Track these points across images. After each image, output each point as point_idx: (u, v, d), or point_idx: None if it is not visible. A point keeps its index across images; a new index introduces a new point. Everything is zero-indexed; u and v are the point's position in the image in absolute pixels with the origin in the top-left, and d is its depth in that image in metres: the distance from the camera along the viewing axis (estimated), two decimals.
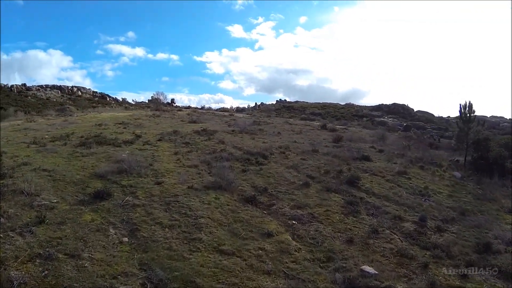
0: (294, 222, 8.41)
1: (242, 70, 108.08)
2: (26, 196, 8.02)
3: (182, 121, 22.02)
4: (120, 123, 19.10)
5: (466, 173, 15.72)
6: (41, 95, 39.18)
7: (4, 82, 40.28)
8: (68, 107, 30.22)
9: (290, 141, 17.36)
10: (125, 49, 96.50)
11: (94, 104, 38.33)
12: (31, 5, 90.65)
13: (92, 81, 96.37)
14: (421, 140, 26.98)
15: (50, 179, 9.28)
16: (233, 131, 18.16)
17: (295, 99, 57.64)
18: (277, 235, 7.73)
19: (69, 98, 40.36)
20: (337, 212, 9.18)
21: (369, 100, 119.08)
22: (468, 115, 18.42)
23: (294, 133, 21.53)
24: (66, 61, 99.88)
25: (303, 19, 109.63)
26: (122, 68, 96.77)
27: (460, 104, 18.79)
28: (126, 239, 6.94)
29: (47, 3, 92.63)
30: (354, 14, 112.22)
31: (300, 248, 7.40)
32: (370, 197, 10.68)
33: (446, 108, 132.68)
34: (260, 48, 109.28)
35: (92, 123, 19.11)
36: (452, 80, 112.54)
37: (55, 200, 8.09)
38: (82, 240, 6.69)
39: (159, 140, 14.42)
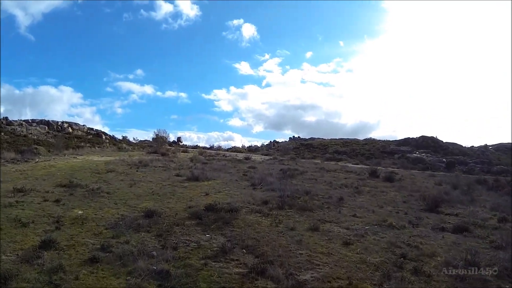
0: None
1: (250, 107, 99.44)
2: None
3: (177, 175, 12.75)
4: (64, 186, 9.82)
5: None
6: (22, 131, 30.41)
7: (15, 117, 33.08)
8: (36, 148, 21.13)
9: (385, 227, 7.94)
10: (134, 87, 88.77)
11: (82, 144, 29.49)
12: (42, 41, 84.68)
13: (101, 118, 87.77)
14: None
15: None
16: (265, 203, 8.74)
17: (304, 135, 48.86)
18: None
19: (55, 135, 31.50)
20: None
21: (379, 133, 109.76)
22: None
23: (355, 193, 12.22)
24: (76, 97, 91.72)
25: (309, 54, 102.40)
26: (131, 106, 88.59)
27: None
28: None
29: (57, 39, 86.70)
30: (360, 49, 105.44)
31: None
32: None
33: (462, 137, 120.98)
34: (268, 85, 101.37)
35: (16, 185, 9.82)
36: (464, 107, 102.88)
37: None
38: None
39: (94, 260, 4.97)
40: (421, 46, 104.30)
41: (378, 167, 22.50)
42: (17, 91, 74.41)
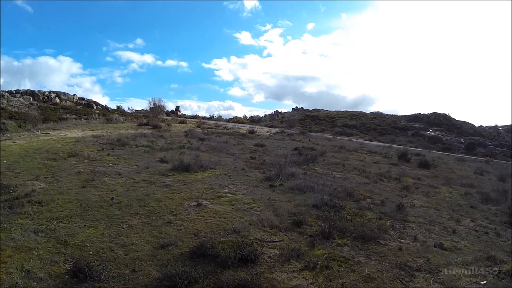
0: None
1: (250, 77, 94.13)
2: None
3: (161, 160, 8.96)
4: None
5: None
6: (2, 103, 26.31)
7: (15, 88, 29.89)
8: (4, 123, 17.12)
9: (505, 278, 4.31)
10: (134, 56, 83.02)
11: (67, 115, 25.52)
12: (40, 12, 78.17)
13: (102, 88, 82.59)
14: None
15: None
16: (298, 224, 4.98)
17: (305, 105, 45.28)
18: None
19: (39, 107, 27.33)
20: None
21: (379, 107, 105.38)
22: None
23: (404, 190, 8.57)
24: (76, 67, 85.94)
25: (310, 26, 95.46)
26: (131, 75, 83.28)
27: None
28: None
29: (56, 10, 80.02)
30: (362, 21, 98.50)
31: None
32: None
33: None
34: (269, 55, 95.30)
35: None
36: (468, 84, 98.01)
37: None
38: None
39: None
40: (420, 22, 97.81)
41: (396, 145, 18.81)
42: (16, 62, 69.38)
